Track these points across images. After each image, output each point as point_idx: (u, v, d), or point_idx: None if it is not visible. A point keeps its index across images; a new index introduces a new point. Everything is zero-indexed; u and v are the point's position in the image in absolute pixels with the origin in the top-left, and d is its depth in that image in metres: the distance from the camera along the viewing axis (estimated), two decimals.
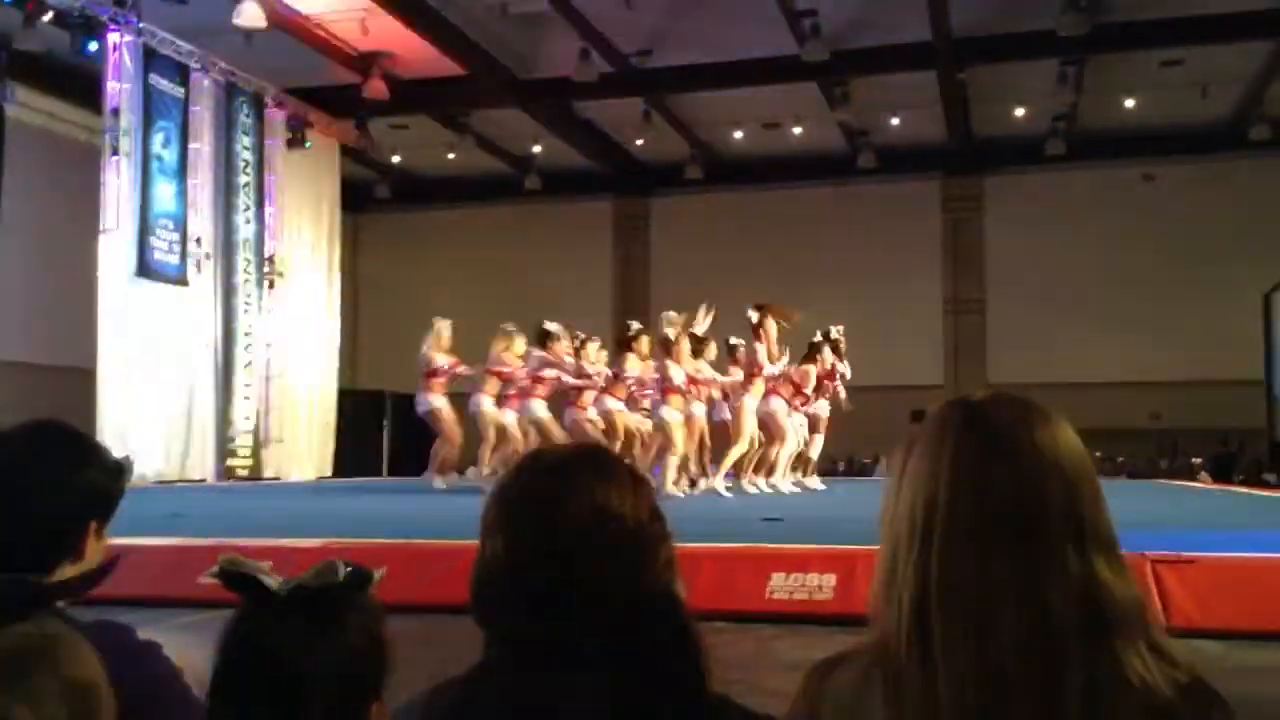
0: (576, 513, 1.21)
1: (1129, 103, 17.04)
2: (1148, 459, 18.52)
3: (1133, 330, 18.73)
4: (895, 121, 17.78)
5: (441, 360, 11.73)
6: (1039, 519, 1.08)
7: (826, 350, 12.09)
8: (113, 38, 12.93)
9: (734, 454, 11.04)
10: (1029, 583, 1.06)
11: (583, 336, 12.12)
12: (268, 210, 15.57)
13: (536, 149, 19.39)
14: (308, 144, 16.06)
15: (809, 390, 11.85)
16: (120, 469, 1.73)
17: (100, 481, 1.69)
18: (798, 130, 18.34)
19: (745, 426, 10.98)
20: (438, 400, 11.78)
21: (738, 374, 11.35)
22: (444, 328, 11.95)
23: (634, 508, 1.23)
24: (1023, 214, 19.68)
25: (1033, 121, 17.90)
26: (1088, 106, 17.45)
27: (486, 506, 1.28)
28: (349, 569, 1.30)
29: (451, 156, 19.30)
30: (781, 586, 4.45)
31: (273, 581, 1.33)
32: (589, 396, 11.49)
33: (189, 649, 1.76)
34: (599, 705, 1.14)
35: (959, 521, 1.09)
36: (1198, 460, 17.83)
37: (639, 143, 19.19)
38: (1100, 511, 1.11)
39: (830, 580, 4.39)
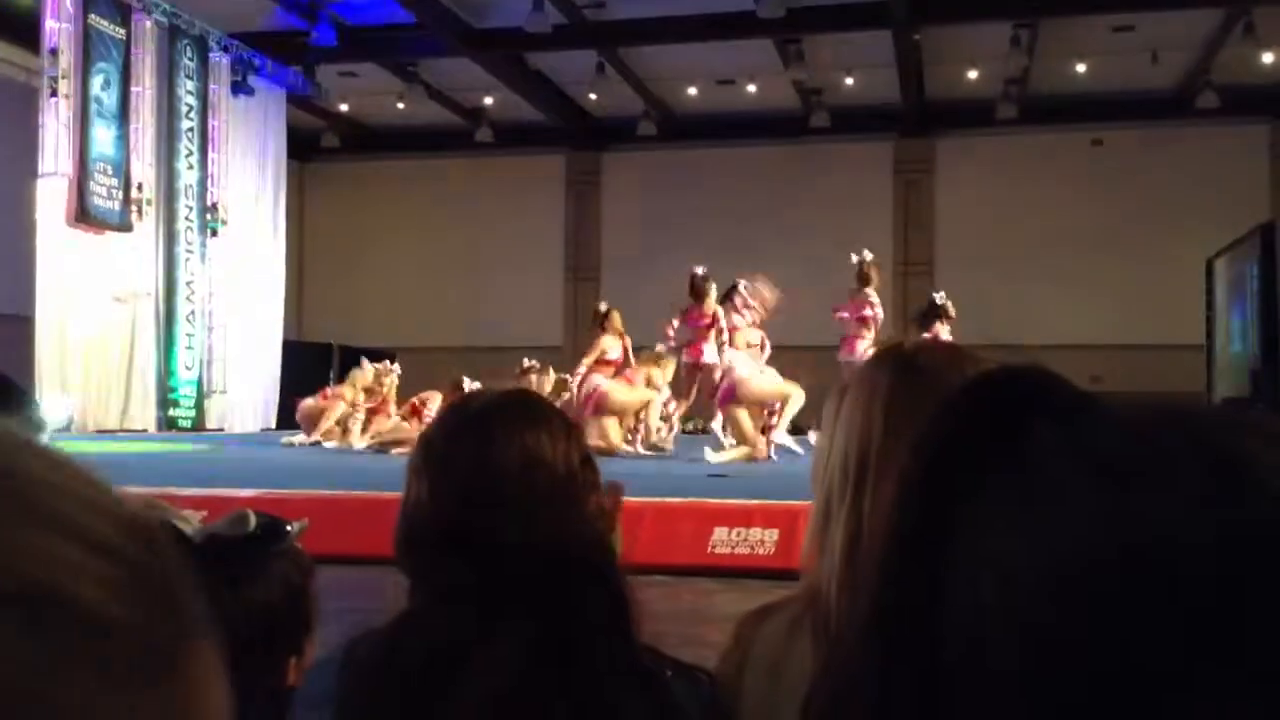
0: (504, 457, 1.18)
1: (1080, 68, 17.13)
2: None
3: (1077, 293, 18.97)
4: (849, 82, 17.76)
5: None
6: None
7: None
8: None
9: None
10: None
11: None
12: (211, 156, 15.27)
13: (488, 101, 19.16)
14: (253, 90, 15.75)
15: None
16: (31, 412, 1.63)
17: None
18: (752, 88, 18.26)
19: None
20: None
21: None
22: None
23: (565, 454, 1.21)
24: (973, 177, 19.80)
25: (985, 85, 17.95)
26: (1039, 71, 17.52)
27: (414, 450, 1.25)
28: (261, 520, 1.26)
29: (401, 106, 19.02)
30: (724, 541, 4.46)
31: (190, 529, 1.29)
32: None
33: None
34: (522, 653, 1.12)
35: (892, 466, 1.07)
36: None
37: (592, 97, 19.03)
38: None
39: (772, 535, 4.41)
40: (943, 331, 11.84)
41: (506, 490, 1.16)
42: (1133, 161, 19.05)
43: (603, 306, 11.92)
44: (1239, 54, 16.30)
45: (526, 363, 12.83)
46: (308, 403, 12.81)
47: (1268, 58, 16.41)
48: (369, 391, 12.72)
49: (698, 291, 11.10)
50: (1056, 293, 18.84)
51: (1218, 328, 17.79)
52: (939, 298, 12.31)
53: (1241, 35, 15.61)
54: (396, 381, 12.91)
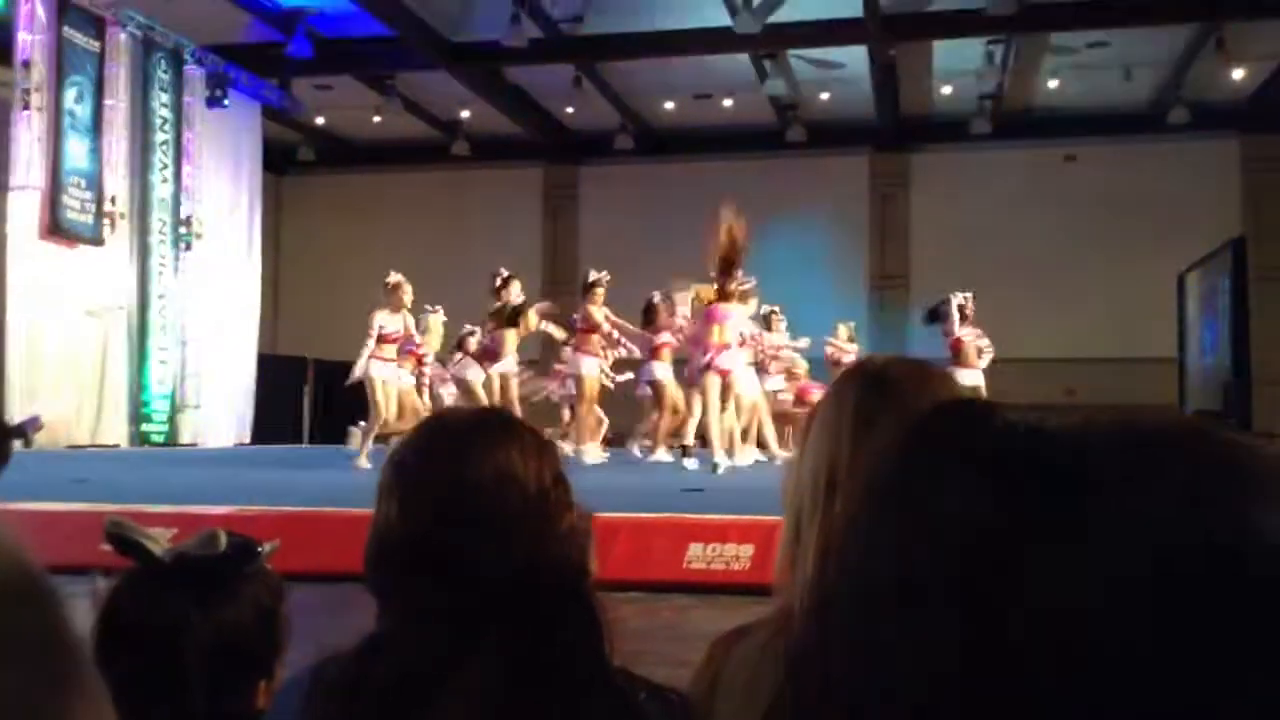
0: (476, 475, 1.17)
1: (1053, 84, 17.28)
2: None
3: (1051, 307, 19.08)
4: (825, 97, 17.85)
5: None
6: None
7: None
8: None
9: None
10: None
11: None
12: (185, 170, 15.19)
13: (465, 114, 19.15)
14: (227, 102, 15.67)
15: None
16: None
17: None
18: (728, 102, 18.33)
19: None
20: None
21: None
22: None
23: (537, 473, 1.20)
24: (947, 192, 19.91)
25: (959, 100, 18.08)
26: (1013, 87, 17.66)
27: (384, 469, 1.24)
28: (231, 540, 1.25)
29: (377, 119, 18.98)
30: (699, 557, 4.46)
31: (159, 549, 1.28)
32: None
33: (86, 617, 1.69)
34: (493, 677, 1.11)
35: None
36: None
37: (569, 110, 19.06)
38: None
39: (748, 550, 4.40)
40: (964, 334, 11.78)
41: (479, 509, 1.16)
42: (1105, 176, 19.20)
43: (592, 275, 11.76)
44: (1210, 70, 16.48)
45: (505, 272, 12.40)
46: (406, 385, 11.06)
47: (1238, 74, 16.60)
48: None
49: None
50: (1030, 307, 18.95)
51: (1189, 341, 17.95)
52: (956, 298, 12.27)
53: (1213, 52, 15.79)
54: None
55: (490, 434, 1.21)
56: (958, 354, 12.08)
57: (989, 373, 12.82)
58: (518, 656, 1.11)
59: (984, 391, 11.14)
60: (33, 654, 0.33)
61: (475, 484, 1.16)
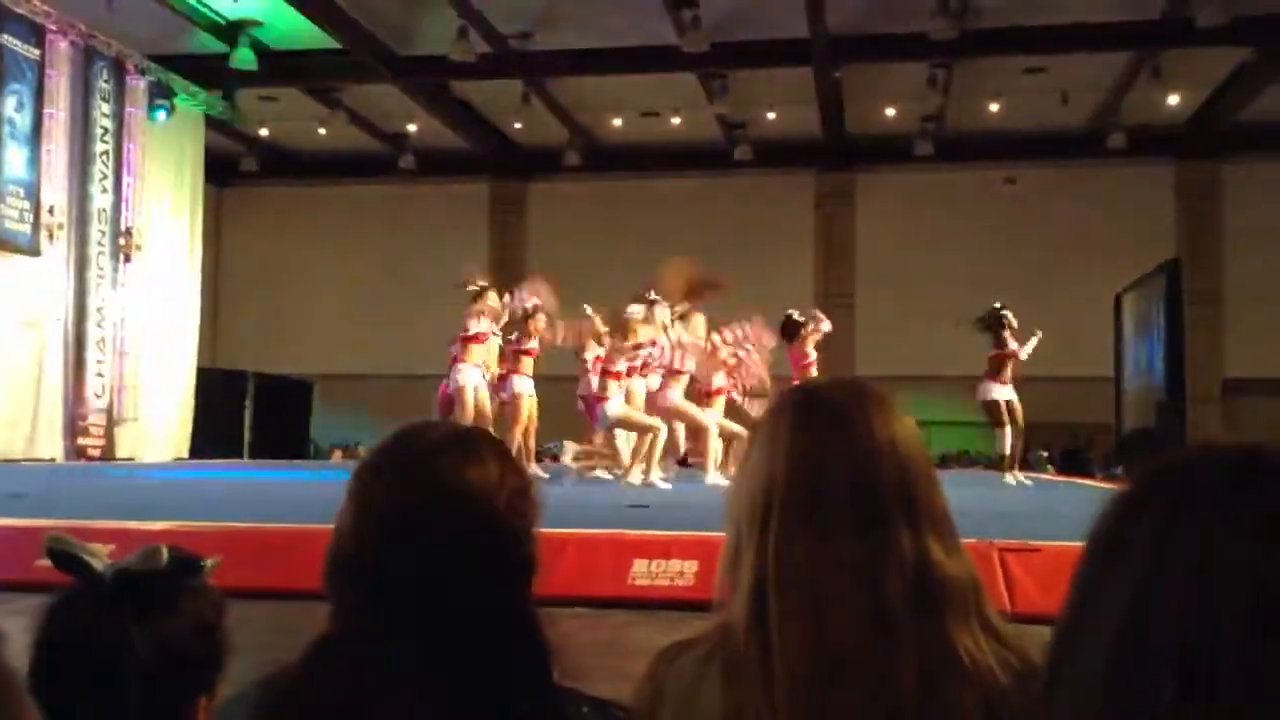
0: (434, 497, 1.16)
1: (993, 107, 17.58)
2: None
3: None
4: (771, 116, 18.02)
5: None
6: (873, 499, 1.09)
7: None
8: None
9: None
10: (864, 563, 1.07)
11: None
12: (126, 180, 14.96)
13: (411, 128, 19.08)
14: (170, 113, 15.47)
15: None
16: None
17: None
18: (676, 120, 18.43)
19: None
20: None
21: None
22: None
23: (493, 492, 1.19)
24: (892, 211, 20.15)
25: (903, 122, 18.32)
26: (955, 109, 17.93)
27: (351, 478, 1.23)
28: (173, 555, 1.25)
29: (322, 132, 18.85)
30: (644, 573, 4.46)
31: (99, 564, 1.27)
32: None
33: (23, 635, 1.67)
34: (438, 696, 1.11)
35: (797, 503, 1.09)
36: (1044, 453, 18.51)
37: (517, 126, 19.05)
38: (934, 491, 1.13)
39: (692, 567, 4.41)
40: (1010, 342, 11.92)
41: (428, 527, 1.15)
42: (1045, 199, 19.55)
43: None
44: (1146, 96, 16.84)
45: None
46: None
47: (1173, 100, 16.99)
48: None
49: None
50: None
51: (1126, 360, 18.28)
52: (998, 305, 12.41)
53: (1149, 78, 16.15)
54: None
55: (450, 451, 1.19)
56: (1001, 368, 12.31)
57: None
58: (462, 677, 1.12)
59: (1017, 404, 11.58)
60: None
61: (434, 504, 1.16)
